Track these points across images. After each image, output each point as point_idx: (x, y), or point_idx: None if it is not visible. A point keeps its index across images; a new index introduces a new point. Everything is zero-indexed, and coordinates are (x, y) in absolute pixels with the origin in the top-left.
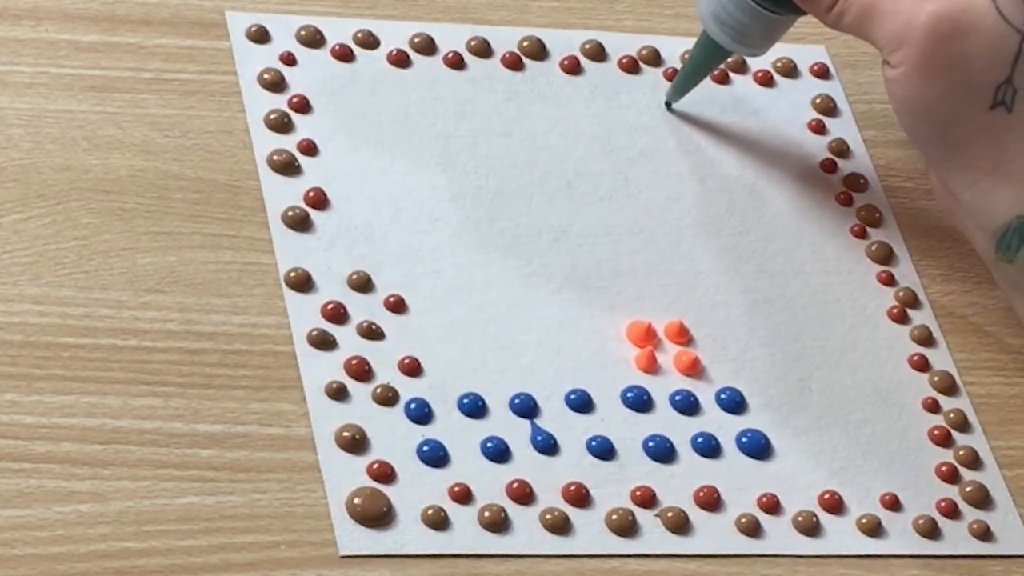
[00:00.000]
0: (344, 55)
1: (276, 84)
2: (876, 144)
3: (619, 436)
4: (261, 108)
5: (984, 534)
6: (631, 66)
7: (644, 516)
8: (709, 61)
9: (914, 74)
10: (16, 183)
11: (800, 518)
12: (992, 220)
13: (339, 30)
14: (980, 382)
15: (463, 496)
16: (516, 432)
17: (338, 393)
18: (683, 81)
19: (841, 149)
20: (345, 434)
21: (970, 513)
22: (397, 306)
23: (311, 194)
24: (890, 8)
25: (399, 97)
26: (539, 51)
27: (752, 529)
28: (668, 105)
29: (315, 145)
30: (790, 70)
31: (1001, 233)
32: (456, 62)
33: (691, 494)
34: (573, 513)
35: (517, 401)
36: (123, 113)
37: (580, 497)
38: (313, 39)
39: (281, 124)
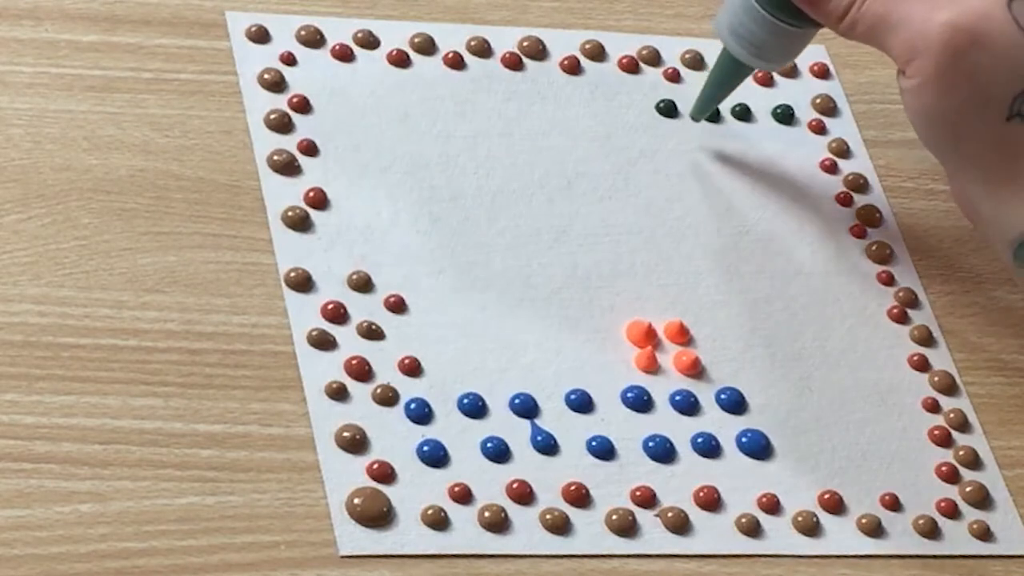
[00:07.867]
0: (344, 55)
1: (276, 84)
2: (876, 144)
3: (619, 436)
4: (261, 108)
5: (984, 534)
6: (631, 66)
7: (644, 516)
8: (730, 76)
9: (929, 85)
10: (16, 183)
11: (800, 518)
12: (1009, 231)
13: (339, 30)
14: (980, 382)
15: (463, 496)
16: (516, 432)
17: (338, 393)
18: (706, 98)
19: (841, 149)
20: (345, 434)
21: (970, 513)
22: (397, 306)
23: (311, 194)
24: (904, 18)
25: (399, 97)
26: (539, 51)
27: (752, 529)
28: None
29: (315, 145)
30: (790, 70)
31: (1018, 243)
32: (456, 62)
33: (691, 494)
34: (573, 513)
35: (517, 401)
36: (123, 113)
37: (580, 497)
38: (313, 39)
39: (281, 124)
